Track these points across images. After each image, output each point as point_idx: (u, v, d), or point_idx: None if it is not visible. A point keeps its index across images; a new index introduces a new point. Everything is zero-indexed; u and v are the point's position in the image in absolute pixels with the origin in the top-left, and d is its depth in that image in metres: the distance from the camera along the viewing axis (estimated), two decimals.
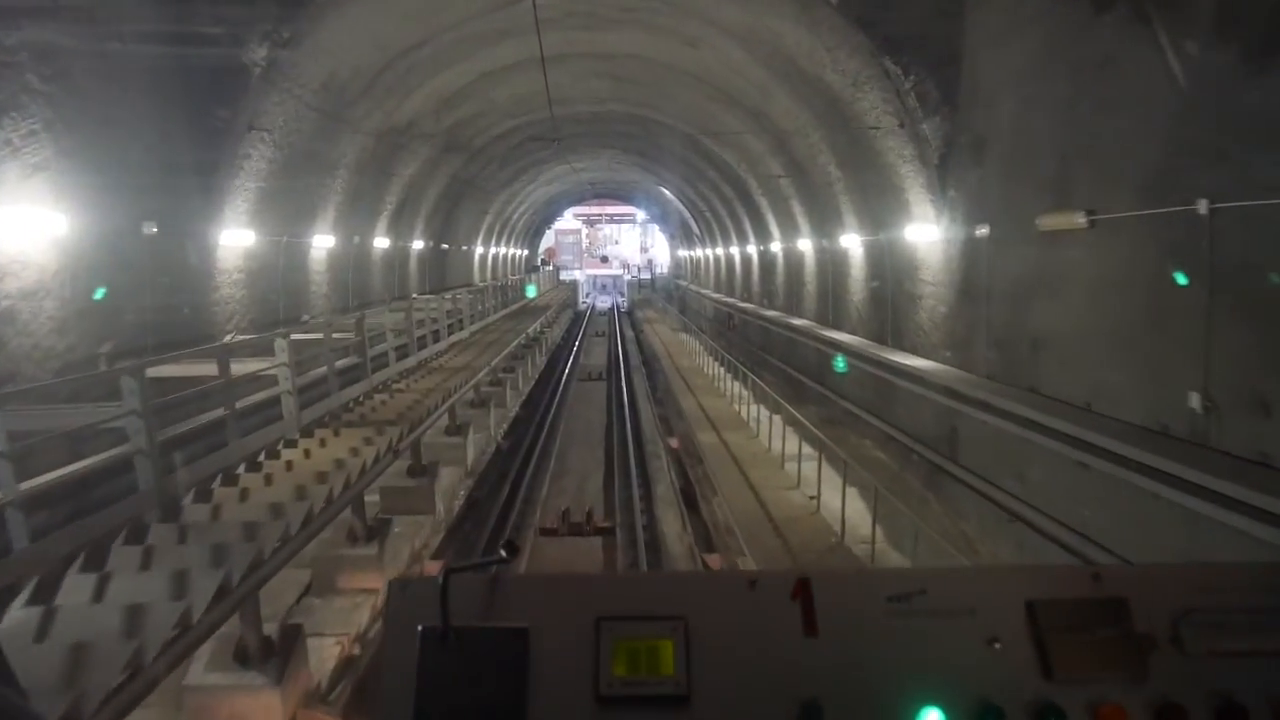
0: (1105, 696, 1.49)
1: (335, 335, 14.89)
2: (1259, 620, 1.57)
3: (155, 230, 12.16)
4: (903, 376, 15.37)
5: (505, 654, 1.53)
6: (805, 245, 24.62)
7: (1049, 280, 10.95)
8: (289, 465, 10.16)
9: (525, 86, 23.38)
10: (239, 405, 10.23)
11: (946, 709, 1.50)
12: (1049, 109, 10.66)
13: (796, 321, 24.81)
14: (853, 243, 19.57)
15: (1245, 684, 1.50)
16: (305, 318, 18.50)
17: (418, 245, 29.06)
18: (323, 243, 19.58)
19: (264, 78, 13.63)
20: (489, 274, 47.34)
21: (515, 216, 52.07)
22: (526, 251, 67.32)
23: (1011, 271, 12.03)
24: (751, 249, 33.68)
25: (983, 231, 12.66)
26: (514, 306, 38.87)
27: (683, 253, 62.32)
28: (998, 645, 1.56)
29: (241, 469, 9.74)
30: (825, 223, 21.94)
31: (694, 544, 15.24)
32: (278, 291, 17.28)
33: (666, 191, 48.57)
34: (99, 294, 11.19)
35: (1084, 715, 1.49)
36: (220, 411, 9.82)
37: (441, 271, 34.50)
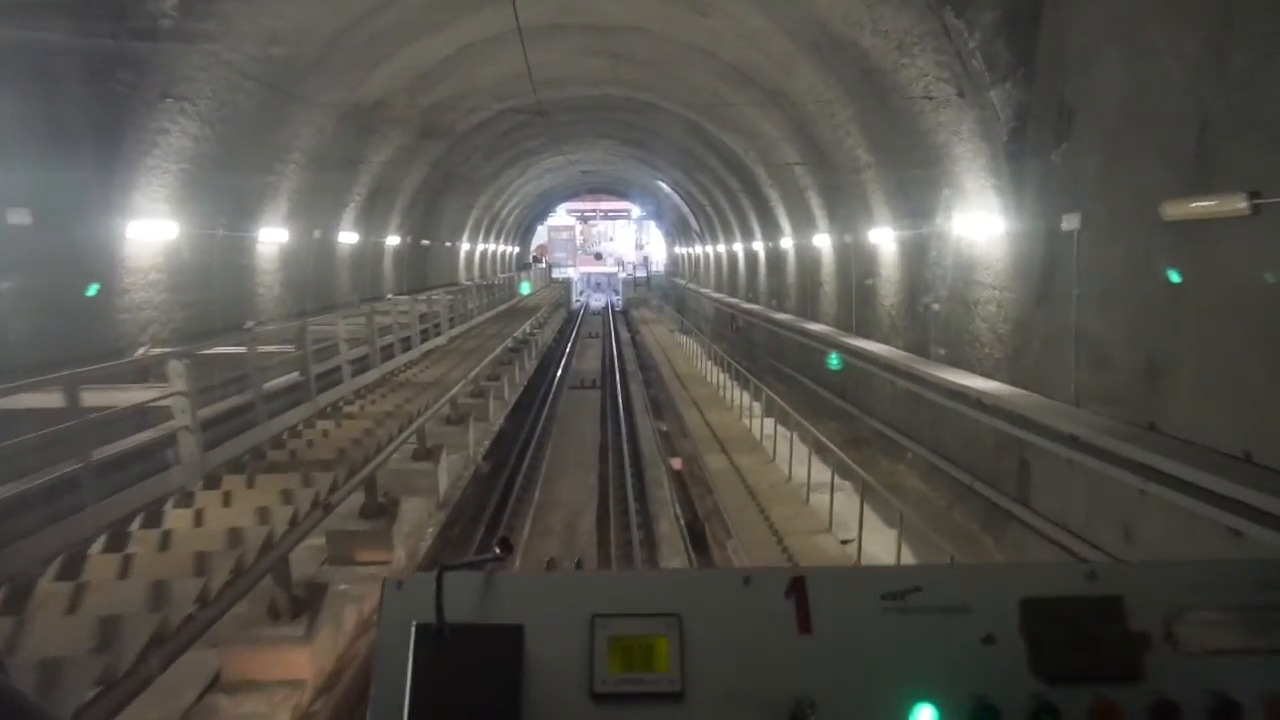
0: (1100, 694, 1.49)
1: (268, 349, 12.30)
2: (1254, 618, 1.56)
3: (28, 219, 9.55)
4: (954, 398, 12.82)
5: (500, 651, 1.52)
6: (823, 241, 22.09)
7: (1179, 284, 8.38)
8: (164, 540, 7.53)
9: (512, 65, 20.77)
10: (109, 451, 7.62)
11: (941, 707, 1.49)
12: (1183, 62, 8.09)
13: (813, 327, 22.26)
14: (884, 238, 17.02)
15: (1240, 681, 1.49)
16: (249, 324, 15.90)
17: (393, 241, 26.46)
18: (273, 237, 16.98)
19: (178, 34, 11.01)
20: (476, 272, 44.74)
21: (505, 212, 49.44)
22: (517, 248, 64.68)
23: (1116, 272, 9.44)
24: (758, 245, 31.12)
25: (1071, 223, 10.06)
26: (502, 307, 36.26)
27: (680, 250, 59.72)
28: (992, 643, 1.55)
29: (98, 546, 7.14)
30: (849, 215, 19.41)
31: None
32: (213, 294, 14.66)
33: (664, 185, 45.96)
34: None
35: (1079, 713, 1.48)
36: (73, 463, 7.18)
37: (422, 270, 31.89)
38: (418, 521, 14.07)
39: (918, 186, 14.60)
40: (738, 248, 35.53)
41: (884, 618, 1.58)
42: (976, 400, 11.91)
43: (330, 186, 19.66)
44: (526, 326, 34.15)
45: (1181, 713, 1.48)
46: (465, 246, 40.58)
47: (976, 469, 12.88)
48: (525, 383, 29.01)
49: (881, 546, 11.79)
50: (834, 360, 19.41)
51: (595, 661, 1.53)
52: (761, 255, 30.98)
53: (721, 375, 27.84)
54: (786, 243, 26.31)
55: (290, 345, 12.73)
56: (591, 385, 31.21)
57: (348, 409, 13.66)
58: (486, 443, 20.39)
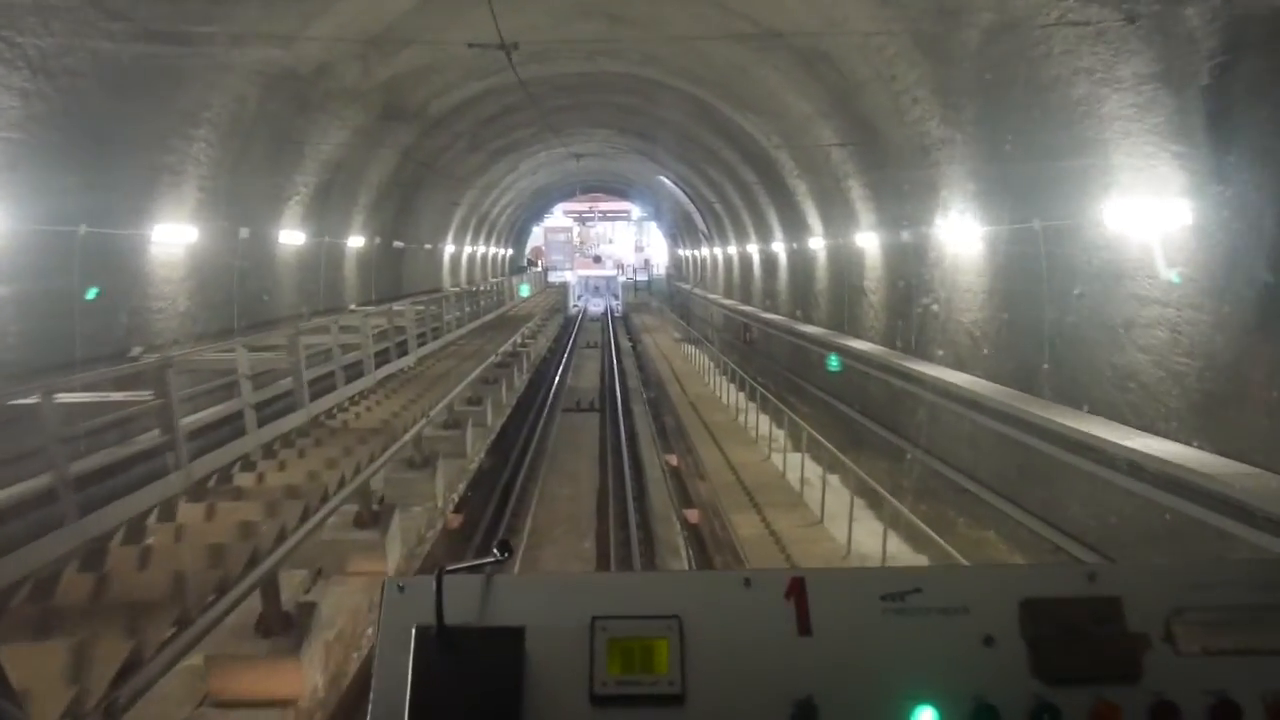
0: (1099, 695, 1.49)
1: (121, 397, 8.48)
2: (1253, 618, 1.56)
3: None
4: (1105, 463, 8.99)
5: (500, 654, 1.53)
6: (868, 241, 18.27)
7: None
8: None
9: (489, 28, 16.96)
10: None
11: (941, 708, 1.49)
12: None
13: (856, 345, 18.43)
14: (962, 235, 13.21)
15: (1239, 682, 1.49)
16: (136, 351, 12.08)
17: (356, 242, 22.60)
18: (175, 236, 13.13)
19: None
20: (464, 277, 40.90)
21: (495, 211, 45.59)
22: (511, 251, 60.84)
23: None
24: (778, 247, 27.27)
25: None
26: (489, 317, 32.42)
27: (684, 252, 55.85)
28: (992, 644, 1.55)
29: None
30: (908, 207, 15.61)
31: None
32: (72, 314, 10.82)
33: (668, 181, 42.07)
34: None
35: (1079, 714, 1.48)
36: None
37: (396, 275, 28.05)
38: (349, 632, 10.18)
39: (1025, 161, 10.79)
40: (752, 249, 31.70)
41: (884, 619, 1.58)
42: (1161, 475, 8.07)
43: (261, 174, 15.82)
44: (517, 338, 30.39)
45: (1181, 713, 1.47)
46: (449, 249, 36.74)
47: (1135, 552, 9.10)
48: (514, 403, 25.22)
49: None
50: (833, 361, 17.17)
51: (595, 663, 1.53)
52: (782, 258, 27.14)
53: (737, 394, 24.05)
54: (816, 243, 22.48)
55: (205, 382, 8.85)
56: (590, 407, 27.34)
57: (243, 479, 9.78)
58: (461, 487, 16.58)
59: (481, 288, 35.40)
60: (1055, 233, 10.42)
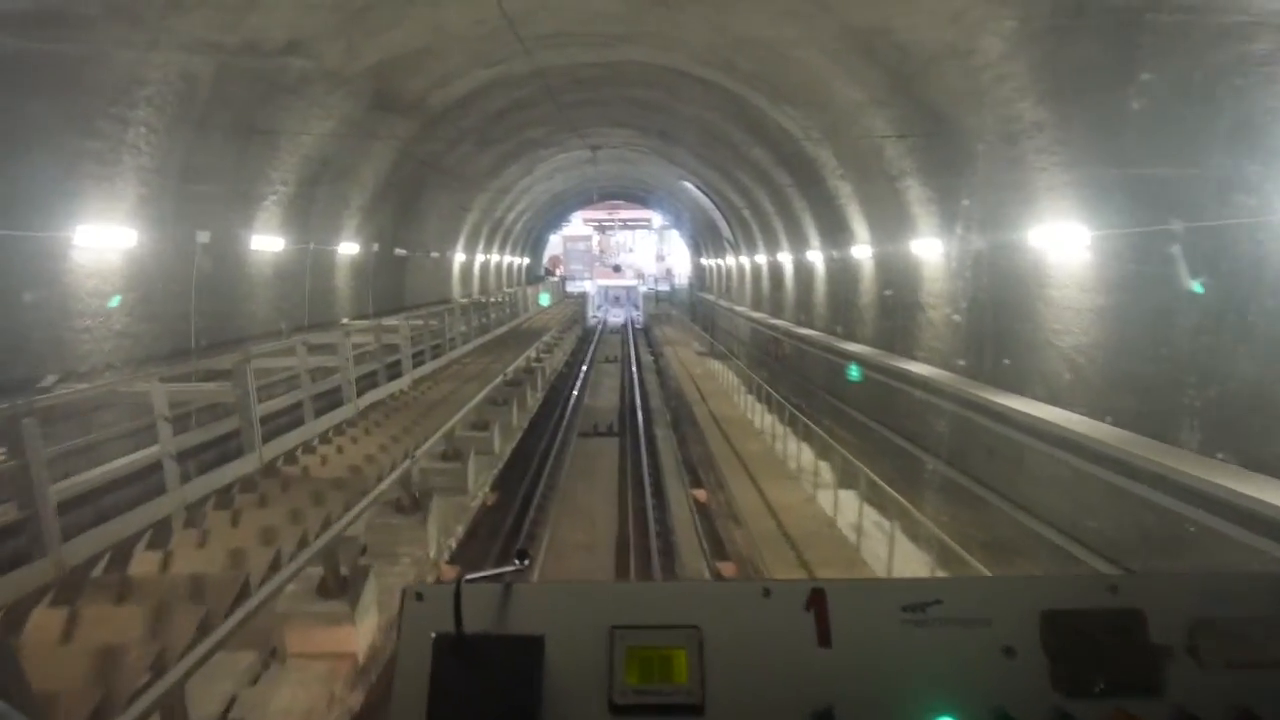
0: (1120, 708, 1.48)
1: None
2: (1276, 630, 1.55)
3: None
4: None
5: (519, 662, 1.53)
6: (929, 249, 15.86)
7: None
8: None
9: (489, 7, 14.75)
10: None
11: (961, 719, 1.48)
12: None
13: (911, 368, 16.03)
14: (1063, 240, 10.80)
15: (1262, 695, 1.48)
16: (49, 380, 9.84)
17: (349, 249, 20.34)
18: (107, 239, 10.89)
19: None
20: (476, 287, 38.68)
21: (510, 218, 43.38)
22: (528, 260, 58.67)
23: None
24: (814, 256, 24.86)
25: None
26: (500, 331, 30.15)
27: (708, 261, 53.47)
28: (1012, 656, 1.55)
29: None
30: (985, 209, 13.22)
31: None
32: None
33: (691, 187, 39.73)
34: None
35: None
36: None
37: (397, 285, 25.81)
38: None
39: (1167, 145, 8.40)
40: (784, 259, 29.30)
41: (904, 630, 1.57)
42: None
43: (224, 168, 13.59)
44: (531, 353, 28.11)
45: None
46: (460, 257, 34.50)
47: None
48: (526, 425, 22.96)
49: None
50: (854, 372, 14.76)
51: (614, 672, 1.53)
52: (819, 268, 24.72)
53: (769, 417, 21.70)
54: (861, 252, 20.07)
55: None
56: (608, 431, 24.92)
57: (146, 561, 7.43)
58: (460, 530, 14.27)
59: (493, 299, 33.11)
60: (1207, 237, 8.01)
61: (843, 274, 22.04)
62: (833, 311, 23.55)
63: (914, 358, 16.66)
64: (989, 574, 9.07)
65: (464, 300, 32.61)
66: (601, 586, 1.74)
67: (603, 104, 26.41)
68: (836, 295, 23.15)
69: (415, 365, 18.04)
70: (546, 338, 33.12)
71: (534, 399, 26.04)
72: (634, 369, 37.58)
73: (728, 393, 28.16)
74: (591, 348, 47.11)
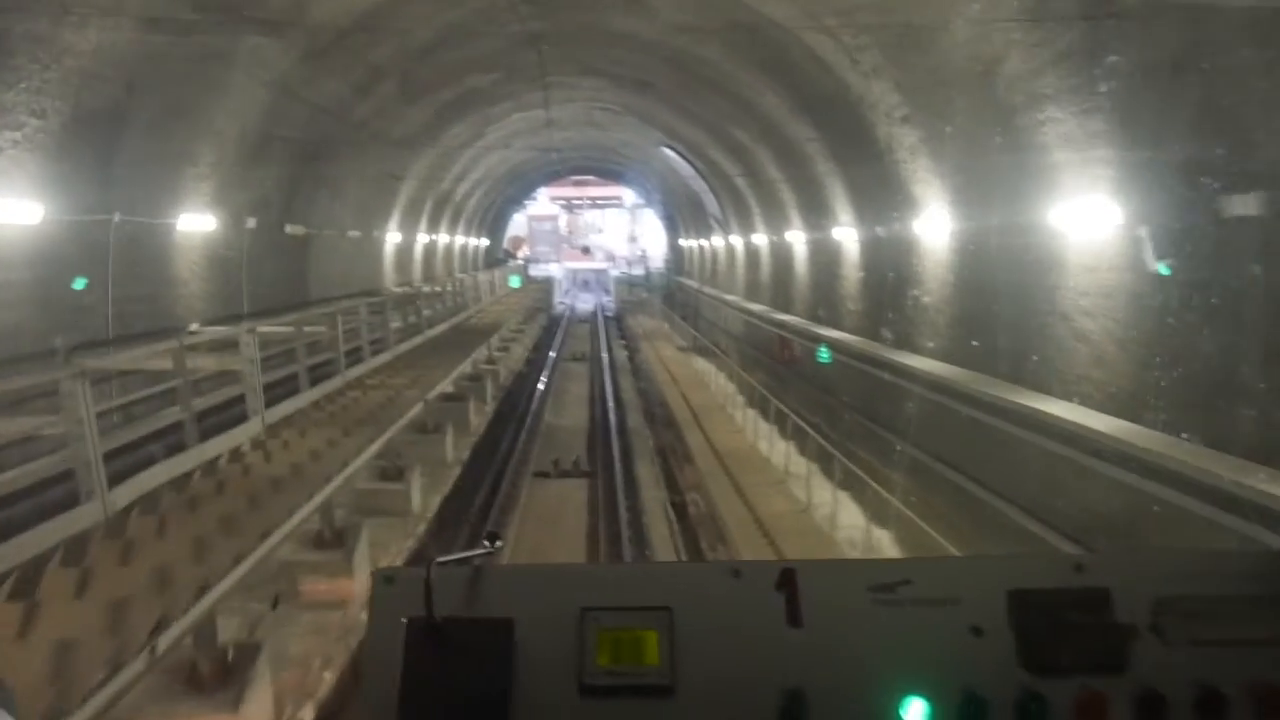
0: (1086, 685, 1.50)
1: None
2: (1239, 608, 1.57)
3: None
4: None
5: (490, 645, 1.52)
6: (1084, 222, 9.86)
7: None
8: None
9: None
10: None
11: (930, 699, 1.50)
12: None
13: (1041, 405, 10.17)
14: None
15: (1226, 672, 1.51)
16: None
17: (198, 225, 14.15)
18: None
19: None
20: (418, 273, 32.53)
21: (459, 191, 37.16)
22: (487, 241, 52.45)
23: None
24: (844, 234, 18.91)
25: None
26: (441, 328, 24.03)
27: (688, 243, 47.42)
28: (980, 635, 1.56)
29: None
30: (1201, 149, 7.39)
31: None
32: None
33: (672, 154, 33.63)
34: None
35: (1065, 704, 1.49)
36: None
37: (297, 273, 19.70)
38: None
39: None
40: (794, 238, 23.36)
41: (874, 610, 1.58)
42: None
43: None
44: (482, 355, 22.12)
45: (1167, 703, 1.48)
46: (394, 237, 28.30)
47: None
48: (464, 461, 17.12)
49: None
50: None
51: (585, 654, 1.53)
52: (850, 249, 18.81)
53: (781, 443, 16.02)
54: (930, 228, 14.19)
55: None
56: (574, 471, 18.63)
57: None
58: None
59: (437, 288, 26.91)
60: None
61: (893, 258, 16.15)
62: (874, 309, 17.67)
63: (1047, 391, 10.82)
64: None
65: (405, 288, 26.54)
66: (572, 569, 1.81)
67: (565, 41, 20.39)
68: (879, 287, 17.26)
69: (288, 396, 12.05)
70: (502, 332, 27.13)
71: (481, 418, 20.15)
72: (606, 373, 31.54)
73: (722, 405, 22.32)
74: (556, 341, 41.03)
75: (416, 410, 13.87)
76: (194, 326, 14.04)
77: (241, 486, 8.75)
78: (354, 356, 15.97)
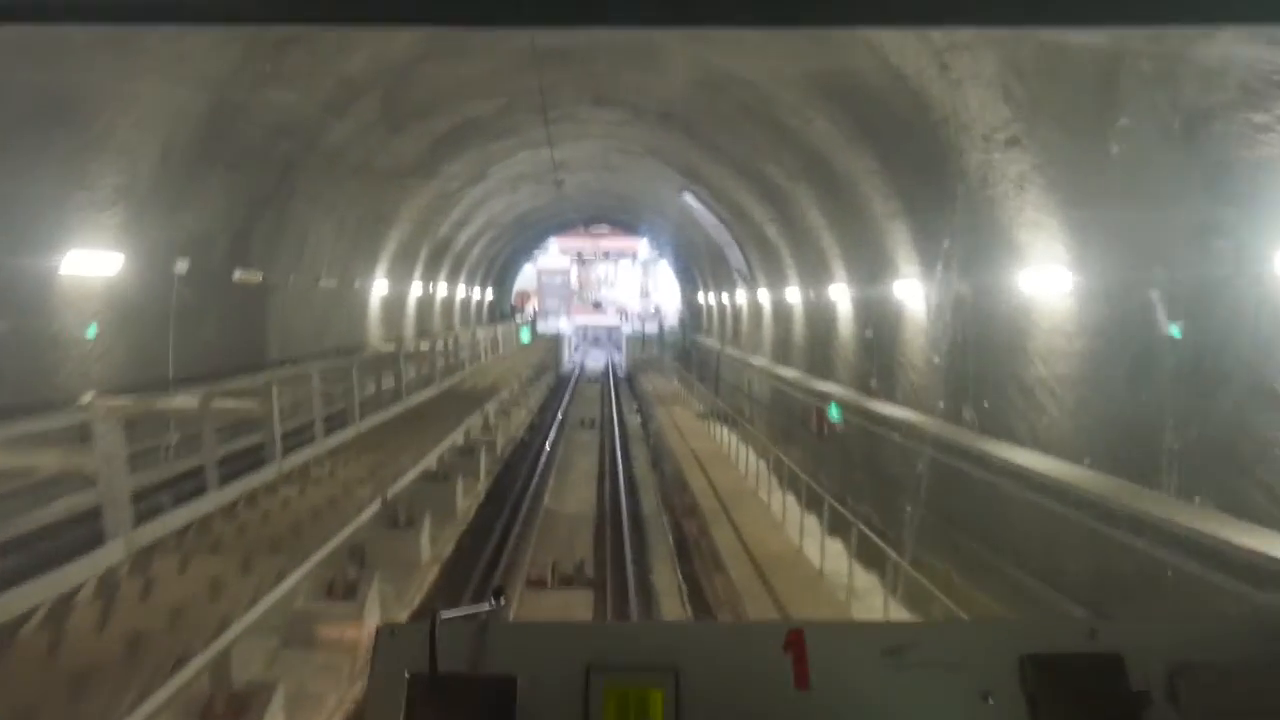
0: None
1: None
2: (1255, 676, 1.54)
3: None
4: None
5: (492, 703, 1.50)
6: None
7: None
8: None
9: None
10: None
11: None
12: None
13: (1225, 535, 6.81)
14: None
15: None
16: None
17: (96, 266, 10.90)
18: None
19: None
20: (410, 329, 29.37)
21: (461, 240, 34.15)
22: (492, 295, 49.41)
23: None
24: (909, 289, 15.62)
25: None
26: (429, 392, 20.77)
27: (707, 299, 44.28)
28: (991, 700, 1.53)
29: None
30: None
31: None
32: None
33: (694, 202, 30.54)
34: None
35: None
36: None
37: (253, 328, 16.48)
38: None
39: None
40: (838, 295, 20.12)
41: (883, 673, 1.55)
42: None
43: None
44: (475, 424, 18.88)
45: None
46: (380, 288, 25.15)
47: None
48: (448, 554, 14.00)
49: None
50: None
51: (590, 714, 1.49)
52: (918, 309, 15.53)
53: (831, 542, 12.74)
54: (1042, 282, 10.90)
55: None
56: (578, 579, 14.92)
57: None
58: None
59: (423, 346, 23.64)
60: None
61: (983, 322, 12.85)
62: (947, 384, 14.34)
63: (1253, 520, 7.47)
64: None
65: (392, 346, 23.33)
66: (578, 627, 1.77)
67: (578, 60, 17.40)
68: (958, 358, 13.93)
69: (183, 501, 8.72)
70: (502, 396, 23.88)
71: (470, 499, 16.98)
72: (616, 444, 28.12)
73: (755, 491, 18.93)
74: (563, 404, 37.72)
75: (369, 515, 10.52)
76: (86, 397, 10.78)
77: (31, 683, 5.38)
78: (302, 436, 12.68)
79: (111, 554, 7.11)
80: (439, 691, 1.47)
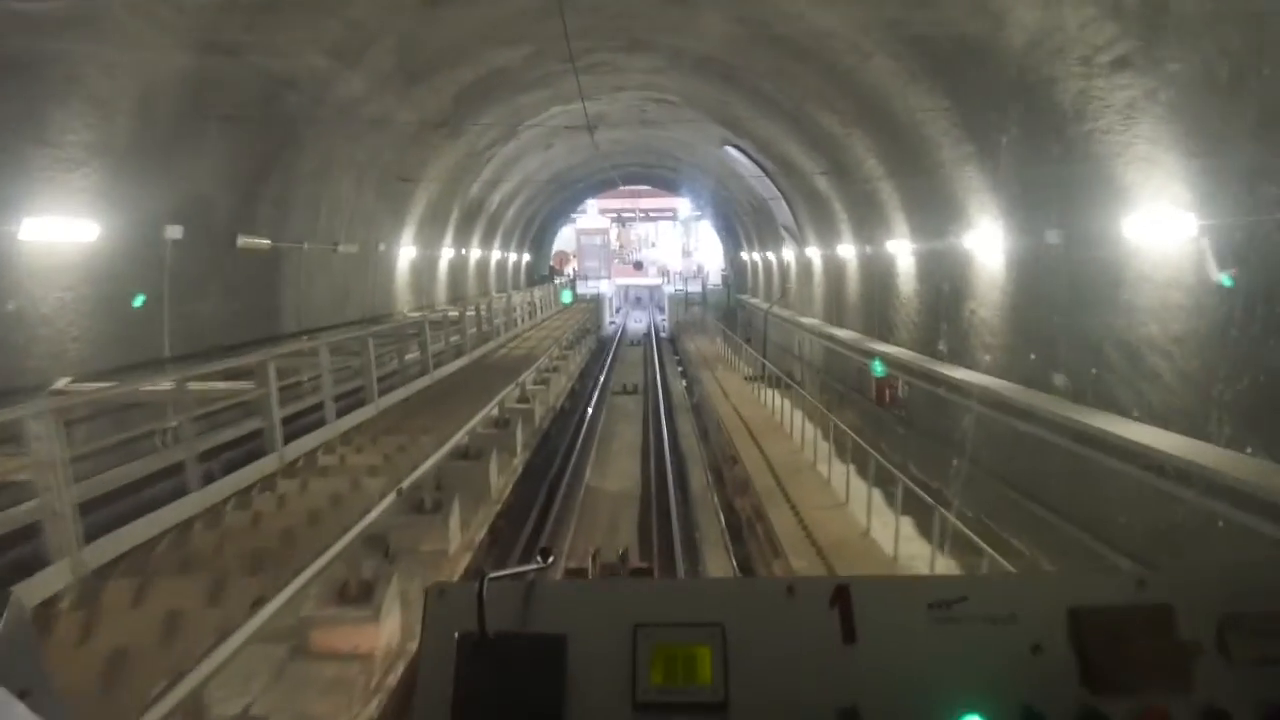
0: (1149, 704, 1.45)
1: None
2: None
3: None
4: None
5: (542, 660, 1.50)
6: None
7: None
8: None
9: None
10: None
11: (988, 717, 1.46)
12: None
13: None
14: None
15: None
16: None
17: (77, 234, 9.62)
18: None
19: None
20: (442, 295, 28.11)
21: (494, 200, 32.76)
22: (529, 257, 48.05)
23: None
24: (985, 242, 13.97)
25: None
26: (460, 362, 19.50)
27: (752, 256, 42.59)
28: (1039, 653, 1.52)
29: None
30: None
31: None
32: None
33: (737, 154, 28.84)
34: None
35: None
36: None
37: (268, 298, 15.25)
38: None
39: None
40: (898, 249, 18.50)
41: (930, 627, 1.55)
42: None
43: None
44: (481, 421, 17.63)
45: None
46: (409, 252, 23.85)
47: None
48: (481, 539, 12.88)
49: None
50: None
51: (638, 671, 1.50)
52: (994, 264, 13.90)
53: (903, 523, 11.37)
54: (1151, 229, 9.28)
55: None
56: (621, 569, 13.91)
57: None
58: None
59: (449, 313, 22.31)
60: None
61: (1077, 275, 11.23)
62: (1032, 345, 12.74)
63: None
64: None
65: (421, 314, 22.07)
66: (624, 584, 1.86)
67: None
68: (1045, 316, 12.31)
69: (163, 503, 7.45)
70: (541, 363, 22.59)
71: (506, 477, 15.88)
72: (661, 411, 26.73)
73: (813, 464, 17.45)
74: (604, 369, 36.39)
75: (377, 514, 9.22)
76: (61, 383, 9.59)
77: None
78: (310, 418, 11.40)
79: (50, 582, 5.83)
80: (489, 649, 1.45)
